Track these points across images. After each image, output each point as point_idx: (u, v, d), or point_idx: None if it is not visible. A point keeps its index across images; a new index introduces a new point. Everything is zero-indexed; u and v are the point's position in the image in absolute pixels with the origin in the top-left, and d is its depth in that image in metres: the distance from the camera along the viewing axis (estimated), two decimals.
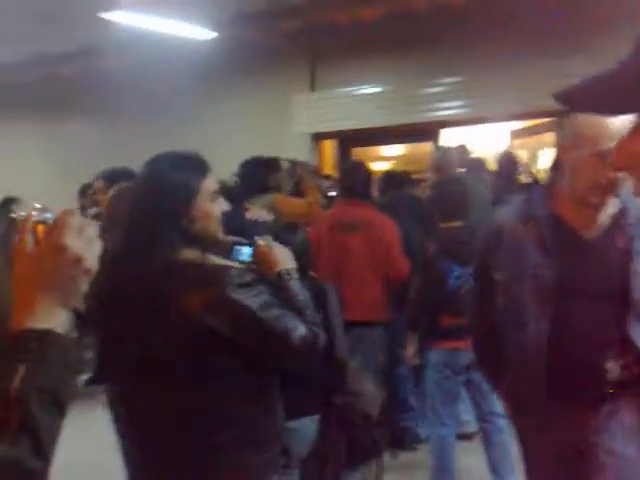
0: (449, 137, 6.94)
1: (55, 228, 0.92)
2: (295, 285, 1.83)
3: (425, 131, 6.96)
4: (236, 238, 1.96)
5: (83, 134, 8.76)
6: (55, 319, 0.89)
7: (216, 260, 1.74)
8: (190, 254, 1.71)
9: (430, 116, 6.64)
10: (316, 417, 2.43)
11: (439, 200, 3.69)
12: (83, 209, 5.75)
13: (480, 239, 2.25)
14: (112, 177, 3.85)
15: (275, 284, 1.82)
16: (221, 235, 1.81)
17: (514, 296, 1.98)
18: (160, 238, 1.69)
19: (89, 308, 1.90)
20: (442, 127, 6.84)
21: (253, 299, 1.68)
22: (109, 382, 1.87)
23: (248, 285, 1.69)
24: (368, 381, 2.61)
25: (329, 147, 7.67)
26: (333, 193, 5.09)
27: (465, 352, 3.53)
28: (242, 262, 1.87)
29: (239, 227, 3.36)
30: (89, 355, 5.14)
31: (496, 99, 6.21)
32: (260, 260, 1.88)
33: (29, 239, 0.94)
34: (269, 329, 1.68)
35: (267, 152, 6.12)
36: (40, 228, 0.95)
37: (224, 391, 1.71)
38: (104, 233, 2.17)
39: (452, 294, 3.51)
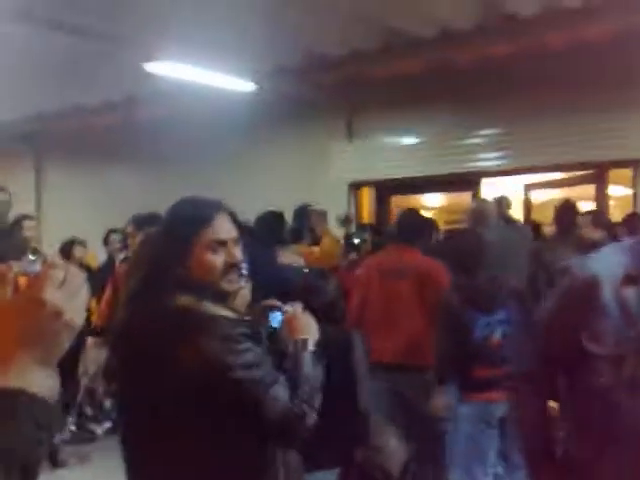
0: (488, 187, 6.90)
1: (36, 280, 0.89)
2: (306, 357, 1.76)
3: (462, 181, 6.94)
4: (270, 302, 1.96)
5: (126, 184, 8.93)
6: (32, 377, 0.85)
7: (212, 308, 1.70)
8: (185, 300, 1.69)
9: (464, 167, 6.65)
10: (336, 471, 2.36)
11: (456, 253, 3.72)
12: (109, 255, 5.85)
13: (552, 296, 1.78)
14: (140, 222, 4.01)
15: (285, 350, 1.79)
16: (227, 285, 1.76)
17: (628, 377, 1.49)
18: (155, 284, 1.72)
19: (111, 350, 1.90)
20: (479, 178, 6.80)
21: (235, 355, 1.61)
22: (122, 429, 1.84)
23: (234, 339, 1.62)
24: (391, 436, 2.54)
25: (367, 195, 7.68)
26: (357, 240, 5.29)
27: (499, 404, 3.44)
28: (274, 329, 1.86)
29: (273, 271, 3.37)
30: (108, 404, 5.14)
31: (533, 150, 6.19)
32: (285, 326, 1.86)
33: (8, 291, 0.92)
34: (243, 391, 1.60)
35: (306, 202, 6.20)
36: (22, 280, 0.93)
37: (214, 441, 1.65)
38: (129, 277, 2.18)
39: (481, 344, 3.47)
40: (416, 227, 4.23)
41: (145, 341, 1.66)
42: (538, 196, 7.37)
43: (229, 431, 1.64)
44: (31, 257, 1.08)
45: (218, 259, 1.74)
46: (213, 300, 1.71)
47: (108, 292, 4.47)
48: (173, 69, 5.93)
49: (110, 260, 5.80)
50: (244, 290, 1.89)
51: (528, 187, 7.09)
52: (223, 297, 1.75)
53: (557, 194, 7.37)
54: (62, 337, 0.88)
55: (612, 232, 5.32)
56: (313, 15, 5.27)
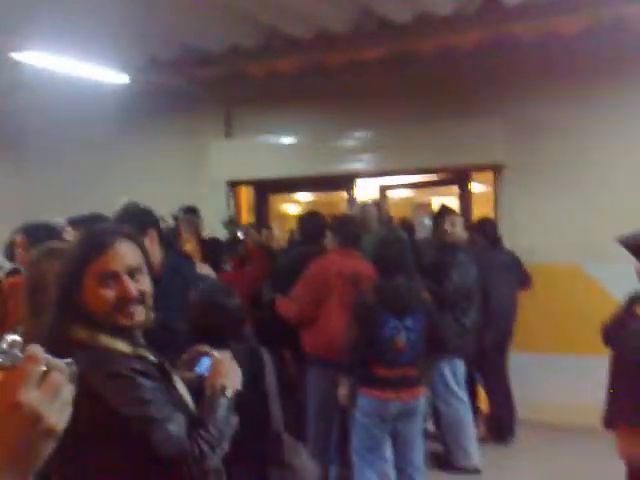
0: (359, 187, 7.12)
1: (10, 377, 0.75)
2: (222, 402, 1.72)
3: (337, 181, 7.11)
4: (200, 348, 1.95)
5: None
6: None
7: (107, 341, 1.62)
8: (81, 333, 1.61)
9: (339, 168, 6.80)
10: None
11: (381, 255, 3.80)
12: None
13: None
14: (32, 232, 3.64)
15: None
16: (124, 320, 1.66)
17: None
18: (55, 315, 1.65)
19: None
20: (353, 178, 7.00)
21: (122, 392, 1.54)
22: None
23: (123, 376, 1.56)
24: (304, 455, 2.56)
25: (245, 193, 7.68)
26: (240, 234, 5.53)
27: (395, 402, 3.68)
28: (200, 375, 1.85)
29: (185, 280, 3.20)
30: None
31: (401, 154, 6.43)
32: (210, 370, 1.84)
33: None
34: (132, 428, 1.54)
35: (184, 199, 6.12)
36: None
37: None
38: (27, 296, 2.07)
39: (385, 344, 3.64)
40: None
41: None
42: (394, 196, 7.68)
43: (125, 469, 1.57)
44: (9, 337, 0.79)
45: (109, 292, 1.65)
46: (110, 333, 1.63)
47: None
48: (42, 59, 5.65)
49: None
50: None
51: (383, 188, 7.32)
52: (121, 331, 1.66)
53: (415, 194, 7.77)
54: (40, 447, 0.75)
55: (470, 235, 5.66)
56: (190, 8, 5.21)
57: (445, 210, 5.17)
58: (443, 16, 5.31)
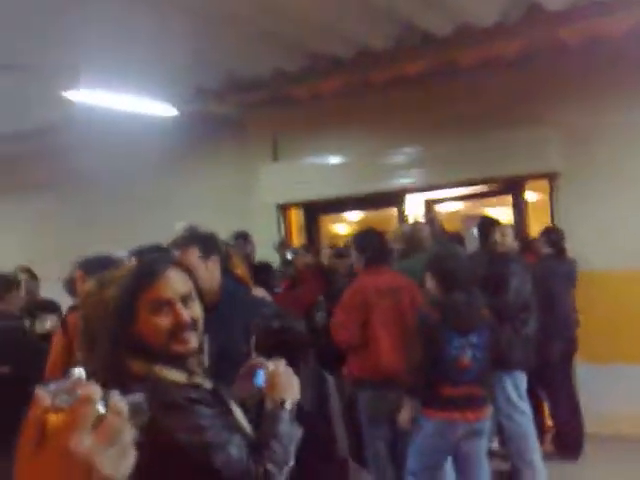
0: (410, 202, 7.06)
1: (65, 422, 0.69)
2: (282, 415, 1.70)
3: (388, 198, 7.07)
4: (255, 361, 1.91)
5: (46, 213, 8.65)
6: None
7: (162, 372, 1.62)
8: (137, 365, 1.62)
9: (387, 184, 6.76)
10: None
11: (442, 272, 3.70)
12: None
13: None
14: (91, 266, 3.58)
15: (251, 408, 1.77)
16: (178, 347, 1.67)
17: None
18: (110, 348, 1.66)
19: None
20: (403, 194, 6.94)
21: (180, 421, 1.54)
22: None
23: (179, 405, 1.56)
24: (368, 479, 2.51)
25: (295, 216, 7.71)
26: (290, 256, 5.53)
27: (460, 424, 3.57)
28: (259, 388, 1.81)
29: (244, 305, 3.19)
30: None
31: (451, 167, 6.36)
32: (267, 383, 1.81)
33: (34, 435, 0.70)
34: (192, 456, 1.53)
35: (235, 224, 6.17)
36: (52, 418, 0.70)
37: None
38: (83, 328, 2.06)
39: (451, 363, 3.54)
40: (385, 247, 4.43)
41: None
42: (445, 210, 7.57)
43: None
44: (74, 374, 0.72)
45: (163, 320, 1.66)
46: (165, 363, 1.64)
47: (57, 345, 3.51)
48: (94, 96, 5.81)
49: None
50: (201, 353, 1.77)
51: (432, 202, 7.21)
52: (176, 359, 1.66)
53: (468, 207, 7.64)
54: None
55: (527, 244, 5.53)
56: (233, 37, 5.28)
57: (489, 221, 5.09)
58: (485, 26, 5.25)
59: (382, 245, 4.41)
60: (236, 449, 1.57)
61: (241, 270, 4.18)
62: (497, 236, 4.91)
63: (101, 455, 0.68)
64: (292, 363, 2.19)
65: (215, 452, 1.54)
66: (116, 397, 0.73)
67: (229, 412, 1.70)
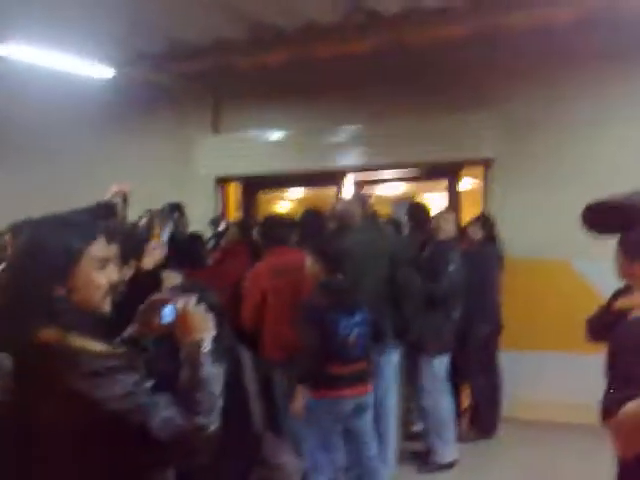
0: (350, 182, 7.03)
1: None
2: (202, 359, 1.65)
3: (326, 177, 7.02)
4: (159, 297, 1.82)
5: None
6: None
7: (78, 342, 1.53)
8: (49, 334, 1.51)
9: (328, 163, 6.73)
10: None
11: (321, 255, 3.82)
12: None
13: None
14: (19, 231, 3.53)
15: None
16: (107, 307, 1.64)
17: None
18: (21, 313, 1.52)
19: None
20: (343, 174, 6.92)
21: (105, 389, 1.48)
22: None
23: (102, 373, 1.49)
24: (288, 452, 2.49)
25: (233, 190, 7.60)
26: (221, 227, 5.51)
27: (349, 400, 3.71)
28: (166, 325, 1.74)
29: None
30: None
31: (391, 149, 6.37)
32: (177, 324, 1.73)
33: None
34: (123, 422, 1.48)
35: (170, 195, 6.02)
36: None
37: None
38: None
39: (340, 343, 3.65)
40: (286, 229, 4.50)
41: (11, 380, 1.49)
42: (384, 192, 7.61)
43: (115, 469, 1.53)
44: None
45: (103, 278, 1.63)
46: (84, 330, 1.55)
47: None
48: (26, 52, 5.56)
49: None
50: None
51: (369, 183, 7.20)
52: (97, 324, 1.61)
53: (405, 190, 7.71)
54: None
55: (461, 230, 5.64)
56: (176, 2, 5.12)
57: (422, 207, 5.16)
58: (433, 8, 5.24)
59: (281, 226, 4.52)
60: (166, 409, 1.53)
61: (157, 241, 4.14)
62: (440, 222, 4.97)
63: None
64: None
65: (149, 415, 1.49)
66: None
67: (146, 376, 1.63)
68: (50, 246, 1.56)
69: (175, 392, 1.59)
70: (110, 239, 1.94)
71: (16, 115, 7.47)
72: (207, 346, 1.68)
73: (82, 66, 6.08)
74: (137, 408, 1.49)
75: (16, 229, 3.71)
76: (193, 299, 1.77)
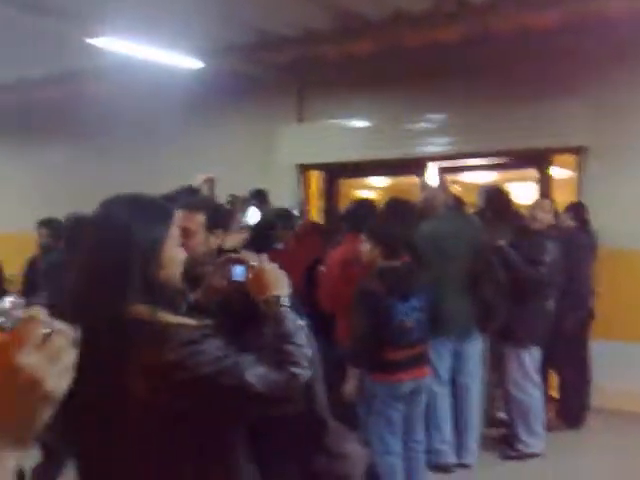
0: (434, 170, 6.95)
1: (10, 341, 0.73)
2: (282, 314, 1.69)
3: (409, 165, 6.97)
4: (234, 256, 1.85)
5: (66, 159, 8.66)
6: (2, 463, 0.71)
7: (168, 317, 1.59)
8: (141, 309, 1.57)
9: (412, 151, 6.68)
10: None
11: (378, 241, 3.78)
12: (45, 248, 5.37)
13: None
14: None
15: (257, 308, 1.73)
16: (180, 282, 1.72)
17: None
18: (114, 291, 1.57)
19: None
20: (426, 162, 6.85)
21: (200, 355, 1.53)
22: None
23: (195, 342, 1.54)
24: (354, 441, 2.45)
25: (315, 177, 7.65)
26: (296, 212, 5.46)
27: (407, 382, 3.77)
28: (237, 282, 1.77)
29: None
30: None
31: (478, 137, 6.27)
32: (251, 282, 1.77)
33: None
34: (219, 384, 1.53)
35: (253, 182, 6.15)
36: None
37: (179, 454, 1.58)
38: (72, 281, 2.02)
39: (396, 328, 3.68)
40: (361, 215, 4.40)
41: (99, 356, 1.49)
42: (470, 180, 7.48)
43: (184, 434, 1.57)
44: (7, 300, 0.84)
45: (182, 254, 1.71)
46: (168, 306, 1.62)
47: None
48: (119, 44, 5.77)
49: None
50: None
51: (455, 170, 7.10)
52: (175, 297, 1.68)
53: (493, 178, 7.54)
54: (39, 412, 0.73)
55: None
56: None
57: (504, 193, 5.07)
58: None
59: (363, 214, 4.44)
60: (256, 366, 1.57)
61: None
62: (536, 211, 4.89)
63: (45, 372, 0.72)
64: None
65: (244, 373, 1.54)
66: (59, 322, 0.76)
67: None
68: (139, 229, 1.62)
69: (258, 351, 1.63)
70: (193, 209, 1.95)
71: (111, 106, 7.74)
72: (286, 301, 1.72)
73: (173, 58, 6.25)
74: (232, 367, 1.54)
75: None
76: (265, 257, 1.79)
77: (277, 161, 7.30)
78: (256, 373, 1.56)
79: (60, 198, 7.57)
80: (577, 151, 6.13)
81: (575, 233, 5.41)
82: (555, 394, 5.60)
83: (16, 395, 0.72)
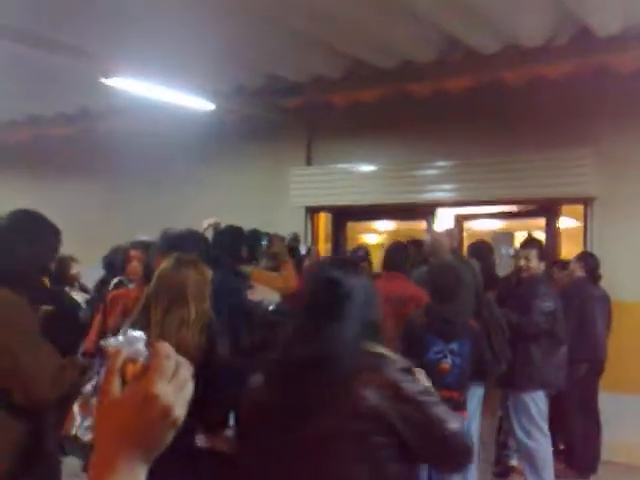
0: (441, 216, 7.00)
1: (146, 372, 0.82)
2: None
3: (419, 210, 7.01)
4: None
5: (77, 196, 8.74)
6: (135, 478, 0.80)
7: (377, 349, 1.85)
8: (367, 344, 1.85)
9: (419, 196, 6.72)
10: None
11: (434, 282, 3.90)
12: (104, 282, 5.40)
13: None
14: (146, 246, 4.10)
15: None
16: None
17: None
18: (354, 332, 1.80)
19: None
20: (433, 207, 6.89)
21: (413, 384, 1.76)
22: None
23: (407, 370, 1.79)
24: None
25: (323, 220, 7.69)
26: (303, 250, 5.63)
27: None
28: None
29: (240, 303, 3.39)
30: None
31: (485, 185, 6.29)
32: None
33: (116, 382, 0.83)
34: (429, 415, 1.72)
35: (262, 223, 6.15)
36: (130, 368, 0.84)
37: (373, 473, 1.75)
38: (153, 304, 2.36)
39: (431, 366, 3.60)
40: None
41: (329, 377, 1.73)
42: (477, 227, 7.53)
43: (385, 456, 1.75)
44: (134, 334, 0.90)
45: None
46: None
47: (99, 318, 4.01)
48: (132, 85, 5.87)
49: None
50: None
51: (461, 218, 7.15)
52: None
53: (501, 227, 7.55)
54: (167, 435, 0.82)
55: (562, 267, 5.48)
56: (276, 39, 5.28)
57: (528, 242, 5.06)
58: (531, 47, 5.17)
59: (398, 255, 4.72)
60: (449, 413, 1.83)
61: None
62: (521, 261, 4.87)
63: (175, 400, 0.82)
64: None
65: (442, 411, 1.78)
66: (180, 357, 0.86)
67: None
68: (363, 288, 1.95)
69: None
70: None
71: (123, 145, 7.84)
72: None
73: (185, 99, 6.36)
74: (437, 403, 1.76)
75: (142, 245, 4.23)
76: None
77: (286, 202, 7.34)
78: (449, 418, 1.79)
79: (71, 235, 7.60)
80: (585, 201, 6.14)
81: (583, 283, 5.38)
82: (563, 444, 5.52)
83: (151, 421, 0.81)
